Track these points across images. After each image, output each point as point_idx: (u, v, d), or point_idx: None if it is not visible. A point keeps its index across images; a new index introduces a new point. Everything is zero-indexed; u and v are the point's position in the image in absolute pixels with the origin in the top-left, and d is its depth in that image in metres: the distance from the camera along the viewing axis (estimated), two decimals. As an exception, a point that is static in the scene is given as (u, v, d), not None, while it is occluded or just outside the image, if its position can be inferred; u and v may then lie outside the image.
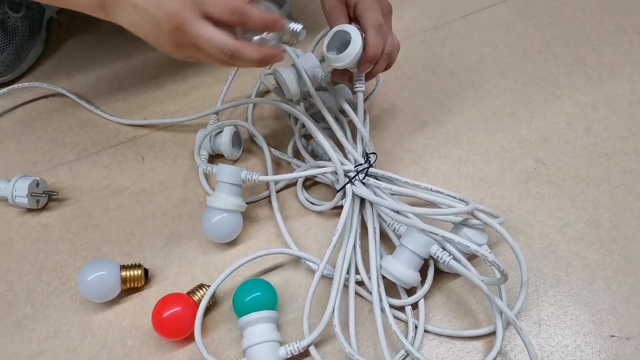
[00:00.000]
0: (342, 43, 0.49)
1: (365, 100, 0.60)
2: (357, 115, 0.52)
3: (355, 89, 0.52)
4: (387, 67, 0.52)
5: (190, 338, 0.47)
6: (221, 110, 0.61)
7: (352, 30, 0.48)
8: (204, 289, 0.49)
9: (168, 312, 0.46)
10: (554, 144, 0.60)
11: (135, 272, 0.50)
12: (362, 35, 0.48)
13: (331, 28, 0.50)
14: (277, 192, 0.57)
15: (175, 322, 0.46)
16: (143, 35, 0.42)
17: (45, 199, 0.58)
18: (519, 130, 0.62)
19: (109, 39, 0.75)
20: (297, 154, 0.60)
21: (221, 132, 0.58)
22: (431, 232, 0.45)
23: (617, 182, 0.57)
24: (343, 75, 0.53)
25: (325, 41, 0.50)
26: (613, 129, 0.61)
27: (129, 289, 0.50)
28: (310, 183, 0.58)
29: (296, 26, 0.45)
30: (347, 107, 0.52)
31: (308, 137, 0.60)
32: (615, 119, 0.62)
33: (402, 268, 0.46)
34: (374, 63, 0.49)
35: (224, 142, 0.57)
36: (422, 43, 0.72)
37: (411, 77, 0.68)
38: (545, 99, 0.65)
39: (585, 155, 0.59)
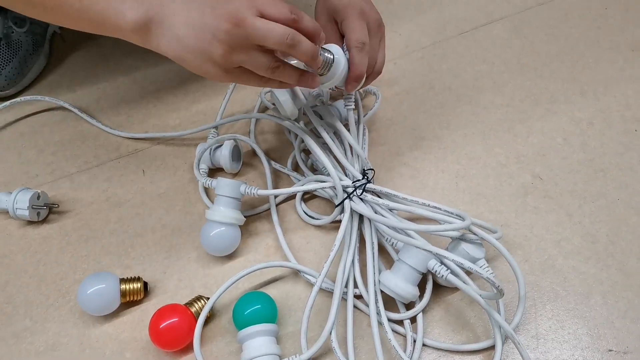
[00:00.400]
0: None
1: (365, 115, 0.61)
2: (350, 132, 0.53)
3: (346, 107, 0.53)
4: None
5: (188, 349, 0.48)
6: (220, 125, 0.62)
7: (336, 50, 0.47)
8: (202, 301, 0.49)
9: (165, 323, 0.46)
10: (550, 159, 0.61)
11: (135, 285, 0.50)
12: (346, 54, 0.48)
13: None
14: (277, 205, 0.57)
15: (172, 333, 0.46)
16: (188, 53, 0.41)
17: (46, 212, 0.58)
18: (515, 145, 0.62)
19: (110, 53, 0.76)
20: (296, 168, 0.60)
21: (221, 145, 0.59)
22: (427, 250, 0.45)
23: (613, 197, 0.57)
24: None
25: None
26: (608, 145, 0.62)
27: (128, 302, 0.50)
28: (309, 196, 0.59)
29: (329, 56, 0.46)
30: (341, 127, 0.53)
31: (307, 151, 0.60)
32: (610, 135, 0.63)
33: (400, 283, 0.46)
34: (360, 82, 0.49)
35: (224, 155, 0.58)
36: (420, 59, 0.73)
37: (409, 93, 0.68)
38: (542, 114, 0.65)
39: (582, 171, 0.60)
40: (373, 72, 0.51)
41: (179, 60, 0.42)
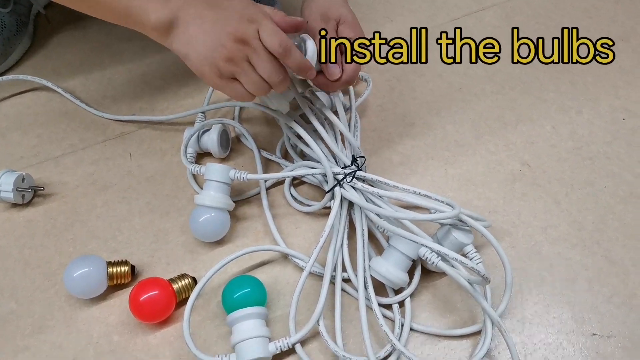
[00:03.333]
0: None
1: (356, 102, 0.61)
2: (340, 119, 0.52)
3: (331, 93, 0.53)
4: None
5: (178, 332, 0.47)
6: (208, 110, 0.61)
7: (306, 40, 0.47)
8: (186, 279, 0.49)
9: (145, 296, 0.46)
10: (539, 147, 0.61)
11: (122, 269, 0.50)
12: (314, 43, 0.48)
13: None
14: (266, 190, 0.57)
15: (152, 305, 0.46)
16: (194, 53, 0.44)
17: (31, 194, 0.57)
18: (505, 133, 0.63)
19: (96, 35, 0.74)
20: (285, 154, 0.60)
21: (209, 130, 0.58)
22: (415, 242, 0.45)
23: (600, 185, 0.58)
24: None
25: None
26: (597, 134, 0.62)
27: (115, 285, 0.50)
28: (298, 182, 0.58)
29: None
30: (331, 114, 0.52)
31: (297, 137, 0.60)
32: (599, 124, 0.63)
33: (391, 269, 0.47)
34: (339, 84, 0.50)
35: (212, 140, 0.57)
36: (411, 46, 0.72)
37: (400, 80, 0.68)
38: (532, 103, 0.66)
39: (570, 159, 0.60)
40: (340, 82, 0.50)
41: (184, 58, 0.45)
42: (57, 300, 0.50)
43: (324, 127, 0.53)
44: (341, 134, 0.53)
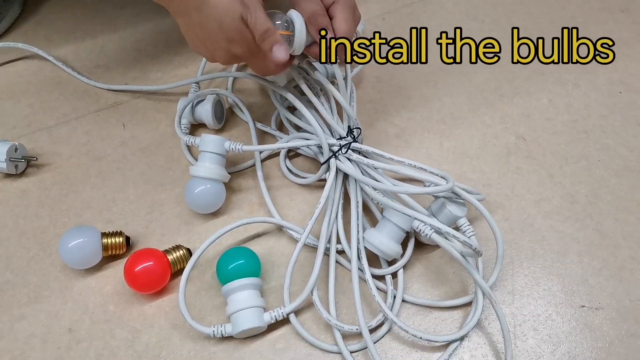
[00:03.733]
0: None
1: (352, 72, 0.60)
2: (339, 90, 0.52)
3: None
4: None
5: (173, 303, 0.48)
6: (202, 80, 0.60)
7: (294, 16, 0.46)
8: (181, 250, 0.49)
9: (140, 266, 0.47)
10: (535, 120, 0.61)
11: (117, 240, 0.50)
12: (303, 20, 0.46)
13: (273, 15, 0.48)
14: (261, 161, 0.57)
15: (147, 276, 0.47)
16: (210, 13, 0.43)
17: (24, 165, 0.57)
18: (501, 105, 0.62)
19: (88, 2, 0.73)
20: (280, 126, 0.60)
21: (203, 101, 0.58)
22: (408, 215, 0.45)
23: (594, 159, 0.58)
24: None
25: None
26: (593, 107, 0.62)
27: (110, 256, 0.50)
28: (292, 154, 0.58)
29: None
30: (328, 84, 0.52)
31: (292, 108, 0.59)
32: (595, 97, 0.63)
33: (385, 240, 0.47)
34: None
35: (206, 111, 0.57)
36: (409, 15, 0.71)
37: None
38: (529, 75, 0.65)
39: (565, 132, 0.60)
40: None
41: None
42: (53, 270, 0.51)
43: (318, 98, 0.53)
44: (337, 105, 0.53)
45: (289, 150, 0.58)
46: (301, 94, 0.55)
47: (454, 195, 0.49)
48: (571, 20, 0.71)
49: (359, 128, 0.53)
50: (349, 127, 0.52)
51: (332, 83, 0.57)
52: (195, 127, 0.60)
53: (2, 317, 0.48)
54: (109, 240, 0.50)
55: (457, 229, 0.49)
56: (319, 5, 0.47)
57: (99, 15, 0.71)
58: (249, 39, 0.45)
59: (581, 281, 0.50)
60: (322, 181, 0.54)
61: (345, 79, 0.56)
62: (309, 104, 0.53)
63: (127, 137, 0.60)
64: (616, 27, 0.69)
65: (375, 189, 0.48)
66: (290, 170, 0.56)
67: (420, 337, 0.45)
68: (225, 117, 0.60)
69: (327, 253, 0.50)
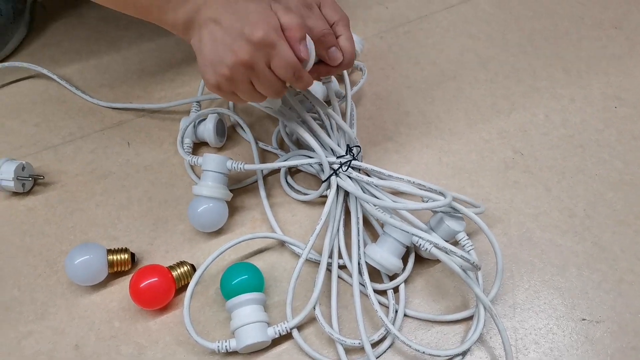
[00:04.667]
0: None
1: (352, 90, 0.61)
2: (333, 108, 0.53)
3: (323, 83, 0.53)
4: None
5: (177, 318, 0.49)
6: (203, 100, 0.61)
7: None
8: (185, 266, 0.50)
9: (145, 282, 0.47)
10: (531, 135, 0.62)
11: (122, 256, 0.51)
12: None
13: None
14: (263, 178, 0.58)
15: (151, 292, 0.48)
16: (207, 53, 0.44)
17: (31, 183, 0.58)
18: (498, 121, 0.63)
19: (93, 22, 0.74)
20: (281, 142, 0.61)
21: (204, 120, 0.59)
22: (406, 231, 0.46)
23: (591, 173, 0.59)
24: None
25: None
26: (589, 122, 0.63)
27: (116, 272, 0.51)
28: (294, 170, 0.59)
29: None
30: (326, 109, 0.53)
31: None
32: (591, 112, 0.64)
33: (386, 255, 0.48)
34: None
35: (208, 130, 0.58)
36: (406, 34, 0.73)
37: (395, 67, 0.69)
38: (525, 91, 0.66)
39: (562, 146, 0.61)
40: (344, 63, 0.49)
41: (196, 50, 0.46)
42: (59, 287, 0.51)
43: (319, 116, 0.54)
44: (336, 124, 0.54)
45: (291, 167, 0.59)
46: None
47: (452, 210, 0.49)
48: (565, 36, 0.72)
49: (359, 146, 0.54)
50: (347, 145, 0.53)
51: (329, 102, 0.58)
52: (198, 145, 0.61)
53: (9, 334, 0.49)
54: (115, 257, 0.50)
55: (456, 243, 0.50)
56: (327, 24, 0.48)
57: (104, 37, 0.72)
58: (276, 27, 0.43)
59: (581, 294, 0.50)
60: (324, 197, 0.55)
61: (345, 97, 0.57)
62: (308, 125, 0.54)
63: (132, 155, 0.61)
64: (610, 43, 0.71)
65: (375, 206, 0.49)
66: (291, 187, 0.57)
67: (423, 352, 0.45)
68: (226, 135, 0.61)
69: (329, 268, 0.50)
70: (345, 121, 0.55)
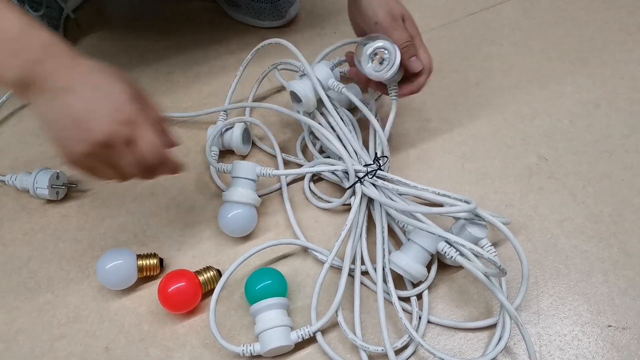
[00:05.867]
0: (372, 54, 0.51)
1: (375, 98, 0.62)
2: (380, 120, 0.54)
3: (392, 97, 0.55)
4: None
5: (204, 322, 0.50)
6: (230, 109, 0.63)
7: (394, 46, 0.50)
8: (211, 271, 0.51)
9: (173, 287, 0.49)
10: (556, 141, 0.62)
11: (151, 261, 0.52)
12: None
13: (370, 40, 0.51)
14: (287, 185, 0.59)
15: (179, 296, 0.49)
16: (72, 119, 0.39)
17: (64, 191, 0.60)
18: (522, 127, 0.63)
19: (123, 35, 0.77)
20: (303, 152, 0.62)
21: (231, 128, 0.60)
22: (433, 233, 0.46)
23: (617, 179, 0.58)
24: (378, 85, 0.55)
25: (367, 52, 0.50)
26: (614, 127, 0.63)
27: (145, 277, 0.53)
28: (315, 178, 0.60)
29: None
30: (368, 113, 0.54)
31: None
32: (616, 117, 0.63)
33: (411, 262, 0.48)
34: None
35: (235, 138, 0.59)
36: (428, 41, 0.72)
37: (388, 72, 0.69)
38: (549, 96, 0.66)
39: (587, 152, 0.61)
40: (424, 71, 0.53)
41: (45, 121, 0.40)
42: (91, 292, 0.53)
43: (346, 125, 0.55)
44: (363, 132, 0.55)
45: (313, 175, 0.59)
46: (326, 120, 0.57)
47: (475, 217, 0.49)
48: (590, 41, 0.71)
49: (386, 156, 0.54)
50: (375, 154, 0.54)
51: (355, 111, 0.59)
52: (223, 153, 0.63)
53: (43, 336, 0.51)
54: (144, 262, 0.52)
55: (478, 251, 0.50)
56: (409, 36, 0.51)
57: (133, 49, 0.75)
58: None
59: (607, 300, 0.50)
60: (345, 205, 0.56)
61: (369, 106, 0.58)
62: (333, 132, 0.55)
63: (160, 163, 0.62)
64: (635, 47, 0.70)
65: (401, 211, 0.49)
66: (314, 194, 0.58)
67: (448, 360, 0.45)
68: (252, 142, 0.63)
69: (351, 274, 0.51)
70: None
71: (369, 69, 0.51)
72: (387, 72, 0.50)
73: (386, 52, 0.50)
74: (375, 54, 0.50)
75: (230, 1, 0.77)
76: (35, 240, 0.57)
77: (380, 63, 0.50)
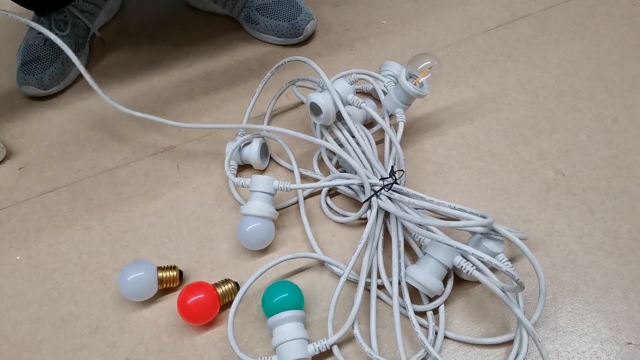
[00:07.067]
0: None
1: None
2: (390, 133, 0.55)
3: (359, 106, 0.56)
4: None
5: (221, 334, 0.51)
6: (247, 128, 0.64)
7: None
8: (229, 284, 0.52)
9: (192, 299, 0.50)
10: (574, 156, 0.62)
11: (171, 273, 0.53)
12: None
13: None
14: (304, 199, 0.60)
15: (198, 308, 0.50)
16: None
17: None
18: (539, 142, 0.63)
19: (146, 54, 0.79)
20: (321, 164, 0.63)
21: (249, 143, 0.62)
22: (450, 245, 0.46)
23: (636, 194, 0.58)
24: None
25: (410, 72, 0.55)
26: (633, 142, 0.62)
27: (165, 289, 0.54)
28: (332, 193, 0.61)
29: None
30: (392, 134, 0.55)
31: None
32: (635, 132, 0.63)
33: (428, 276, 0.48)
34: None
35: (253, 153, 0.61)
36: (445, 57, 0.74)
37: (433, 90, 0.70)
38: (566, 112, 0.66)
39: (605, 167, 0.60)
40: None
41: None
42: (112, 303, 0.54)
43: (364, 139, 0.56)
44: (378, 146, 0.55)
45: (329, 190, 0.60)
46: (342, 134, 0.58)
47: (492, 232, 0.50)
48: (607, 56, 0.71)
49: (402, 170, 0.55)
50: (392, 167, 0.55)
51: (370, 125, 0.60)
52: (242, 168, 0.64)
53: (66, 346, 0.52)
54: (164, 274, 0.53)
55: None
56: None
57: (156, 66, 0.77)
58: None
59: (627, 318, 0.49)
60: (362, 220, 0.57)
61: (385, 119, 0.59)
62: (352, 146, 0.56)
63: (180, 177, 0.64)
64: (655, 63, 0.70)
65: (417, 224, 0.50)
66: (330, 209, 0.59)
67: (464, 375, 0.45)
68: (269, 157, 0.64)
69: (367, 288, 0.51)
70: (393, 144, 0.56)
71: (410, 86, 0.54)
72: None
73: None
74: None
75: (249, 19, 0.79)
76: (59, 252, 0.59)
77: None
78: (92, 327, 0.53)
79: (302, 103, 0.70)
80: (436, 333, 0.49)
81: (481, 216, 0.48)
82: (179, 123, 0.63)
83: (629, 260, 0.53)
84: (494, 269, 0.49)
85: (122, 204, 0.62)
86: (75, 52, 0.76)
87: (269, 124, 0.68)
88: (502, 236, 0.49)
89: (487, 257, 0.45)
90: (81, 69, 0.62)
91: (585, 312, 0.50)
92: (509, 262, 0.48)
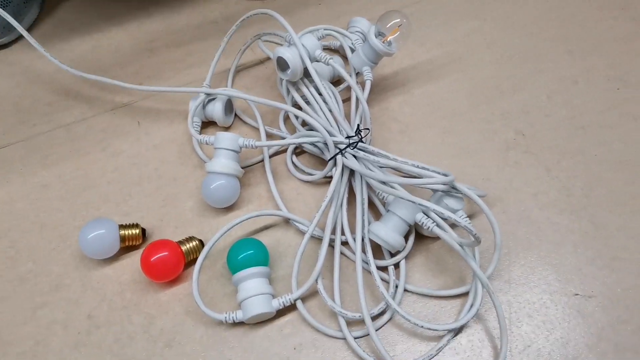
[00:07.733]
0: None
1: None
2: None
3: (326, 62, 0.56)
4: None
5: (186, 290, 0.51)
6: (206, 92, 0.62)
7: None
8: (194, 241, 0.52)
9: (156, 256, 0.49)
10: (534, 117, 0.63)
11: (133, 231, 0.53)
12: None
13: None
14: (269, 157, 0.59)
15: (162, 265, 0.50)
16: None
17: (44, 161, 0.60)
18: (501, 102, 0.64)
19: (103, 3, 0.75)
20: (287, 121, 0.62)
21: (213, 99, 0.60)
22: (412, 201, 0.47)
23: (590, 154, 0.60)
24: None
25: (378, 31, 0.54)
26: (590, 103, 0.64)
27: (127, 247, 0.53)
28: (298, 151, 0.61)
29: None
30: (359, 91, 0.54)
31: (298, 107, 0.62)
32: (593, 94, 0.65)
33: (390, 232, 0.49)
34: None
35: (217, 109, 0.59)
36: (412, 15, 0.73)
37: (401, 49, 0.69)
38: (529, 72, 0.67)
39: (563, 128, 0.62)
40: None
41: None
42: (72, 261, 0.54)
43: (330, 97, 0.56)
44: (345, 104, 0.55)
45: (295, 148, 0.60)
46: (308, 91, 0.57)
47: (452, 190, 0.51)
48: (571, 17, 0.72)
49: (368, 129, 0.55)
50: (357, 125, 0.55)
51: (337, 83, 0.59)
52: (206, 124, 0.63)
53: (25, 305, 0.51)
54: (126, 232, 0.52)
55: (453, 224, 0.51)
56: None
57: (114, 17, 0.74)
58: None
59: (575, 270, 0.52)
60: (327, 178, 0.57)
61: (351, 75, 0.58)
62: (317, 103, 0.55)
63: (142, 134, 0.62)
64: (616, 25, 0.71)
65: (380, 182, 0.50)
66: (296, 167, 0.59)
67: (422, 326, 0.47)
68: (234, 113, 0.63)
69: (331, 244, 0.52)
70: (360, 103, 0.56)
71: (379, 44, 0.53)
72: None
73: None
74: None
75: (213, -31, 0.75)
76: (15, 209, 0.57)
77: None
78: (52, 285, 0.52)
79: (269, 58, 0.68)
80: (397, 287, 0.51)
81: (443, 174, 0.49)
82: (134, 86, 0.60)
83: (580, 216, 0.55)
84: (453, 225, 0.51)
85: (81, 160, 0.60)
86: (25, 1, 0.72)
87: (233, 79, 0.66)
88: (462, 193, 0.50)
89: (447, 214, 0.46)
90: (19, 27, 0.58)
91: (537, 265, 0.52)
92: (468, 219, 0.50)
